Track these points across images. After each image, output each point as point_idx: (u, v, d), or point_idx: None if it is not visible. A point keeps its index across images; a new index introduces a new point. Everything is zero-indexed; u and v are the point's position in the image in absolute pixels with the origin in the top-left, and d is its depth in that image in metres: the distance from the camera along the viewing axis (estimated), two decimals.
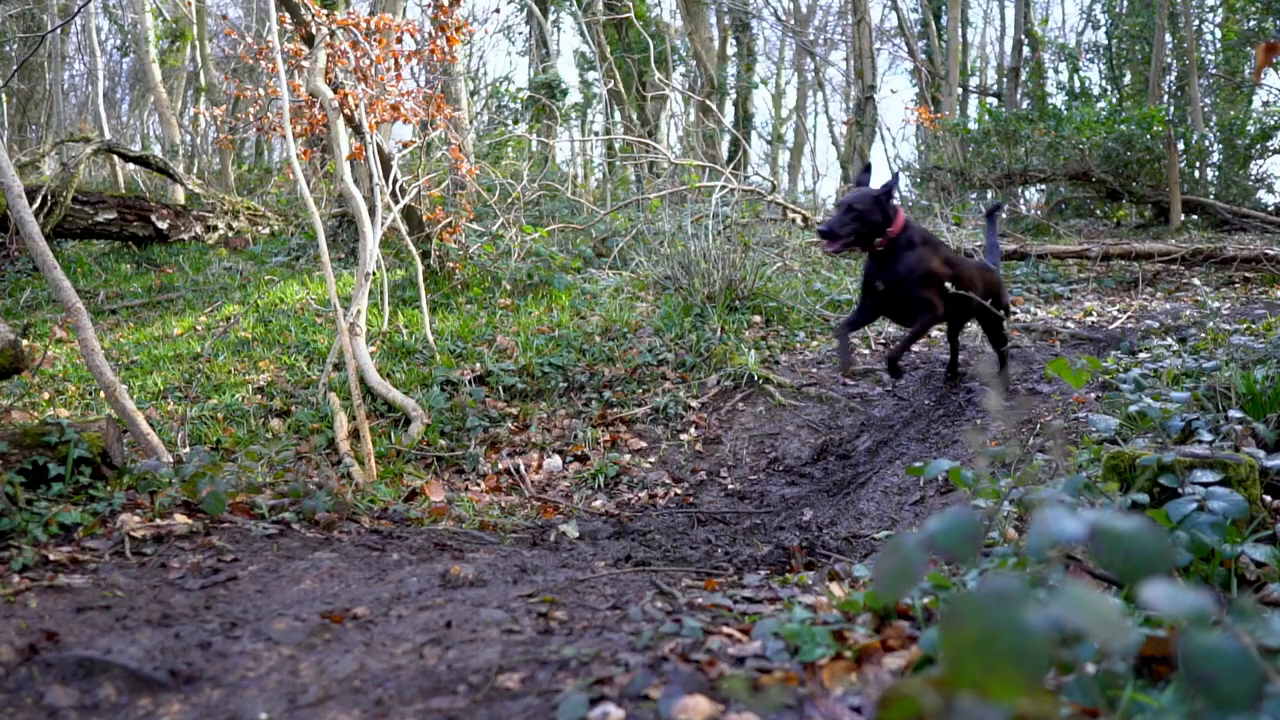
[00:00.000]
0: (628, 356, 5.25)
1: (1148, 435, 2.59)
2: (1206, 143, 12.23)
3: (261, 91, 7.57)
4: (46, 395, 5.14)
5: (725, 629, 1.60)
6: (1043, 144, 11.26)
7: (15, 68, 12.93)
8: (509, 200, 7.77)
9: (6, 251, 8.45)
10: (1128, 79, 17.36)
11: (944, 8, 17.15)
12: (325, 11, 5.95)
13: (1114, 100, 16.12)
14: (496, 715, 1.31)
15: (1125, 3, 17.47)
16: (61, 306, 3.73)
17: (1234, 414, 2.40)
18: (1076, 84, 17.33)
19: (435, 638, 1.64)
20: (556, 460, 4.32)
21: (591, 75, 17.05)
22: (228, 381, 5.28)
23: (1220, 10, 15.96)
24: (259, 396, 5.03)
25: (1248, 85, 14.61)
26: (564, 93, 14.91)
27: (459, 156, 6.97)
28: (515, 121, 15.25)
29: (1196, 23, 15.44)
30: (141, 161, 10.37)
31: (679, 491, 4.02)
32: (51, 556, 2.14)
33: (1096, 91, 17.22)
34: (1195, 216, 11.01)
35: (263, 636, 1.69)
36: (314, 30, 5.80)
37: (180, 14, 15.77)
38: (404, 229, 6.11)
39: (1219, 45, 15.74)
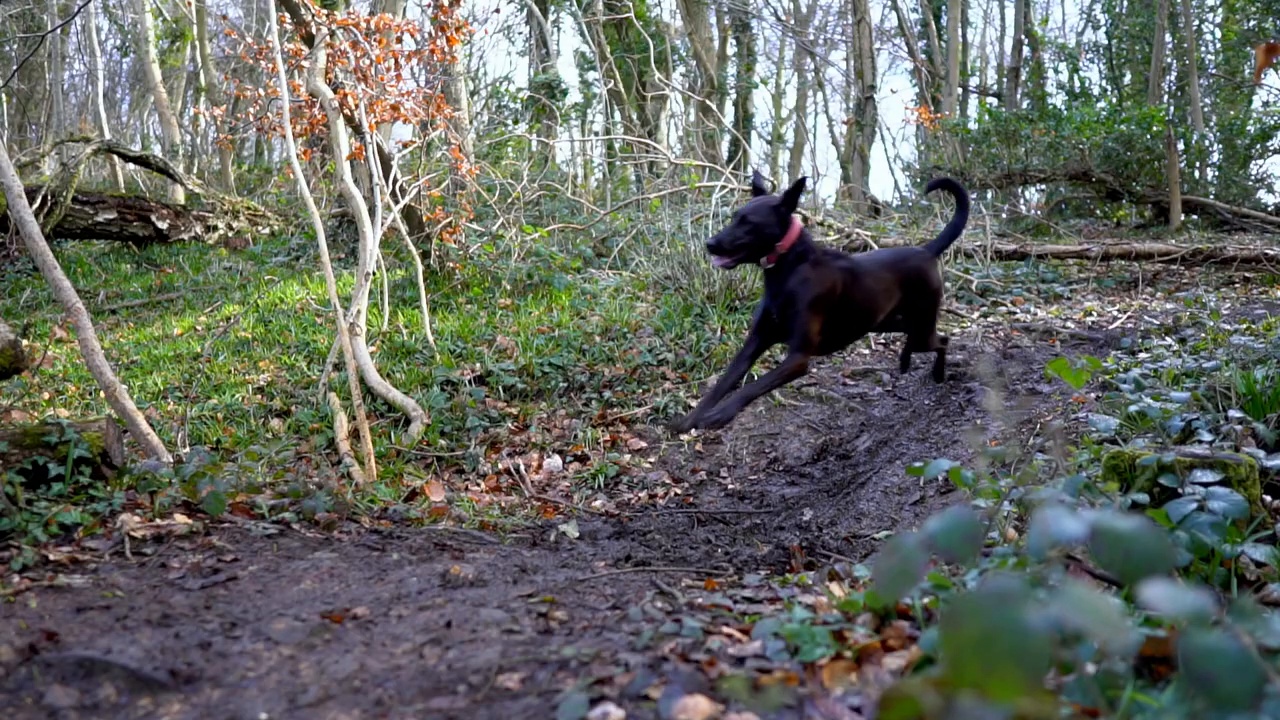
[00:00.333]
0: (628, 356, 5.25)
1: (1148, 435, 2.59)
2: (1206, 143, 12.23)
3: (261, 91, 7.57)
4: (46, 395, 5.14)
5: (725, 629, 1.60)
6: (1043, 144, 11.26)
7: (15, 68, 12.94)
8: (509, 200, 7.77)
9: (6, 251, 8.45)
10: (1128, 79, 17.37)
11: (944, 8, 17.15)
12: (325, 11, 5.95)
13: (1114, 100, 16.12)
14: (496, 715, 1.31)
15: (1125, 3, 17.47)
16: (61, 306, 3.73)
17: (1234, 414, 2.40)
18: (1076, 84, 17.34)
19: (435, 638, 1.64)
20: (556, 460, 4.32)
21: (591, 75, 17.05)
22: (228, 381, 5.28)
23: (1220, 10, 15.96)
24: (259, 396, 5.03)
25: (1248, 85, 14.61)
26: (564, 93, 14.91)
27: (459, 156, 6.97)
28: (515, 121, 15.26)
29: (1196, 23, 15.45)
30: (141, 161, 10.37)
31: (679, 491, 4.02)
32: (51, 556, 2.14)
33: (1096, 91, 17.22)
34: (1195, 216, 11.02)
35: (263, 636, 1.69)
36: (314, 30, 5.80)
37: (180, 14, 15.77)
38: (404, 229, 6.11)
39: (1219, 45, 15.75)
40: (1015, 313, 6.17)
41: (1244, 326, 4.31)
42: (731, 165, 11.47)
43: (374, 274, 5.22)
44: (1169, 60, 15.72)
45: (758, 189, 3.64)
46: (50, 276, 3.30)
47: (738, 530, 3.39)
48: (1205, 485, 1.71)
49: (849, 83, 21.81)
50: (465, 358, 5.38)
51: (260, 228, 10.24)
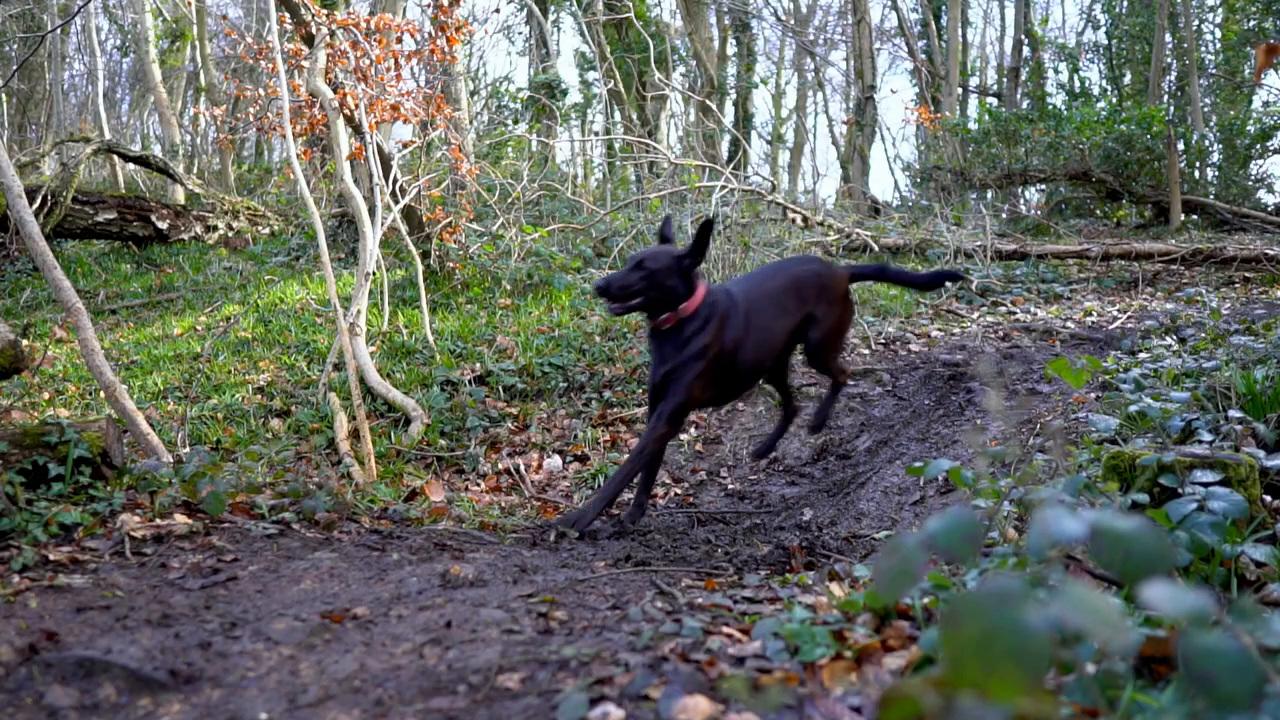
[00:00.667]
0: (628, 356, 5.25)
1: (1148, 435, 2.59)
2: (1206, 143, 12.23)
3: (261, 91, 7.57)
4: (46, 395, 5.14)
5: (725, 629, 1.60)
6: (1043, 144, 11.26)
7: (15, 68, 12.94)
8: (509, 200, 7.77)
9: (6, 251, 8.45)
10: (1128, 79, 17.37)
11: (944, 8, 17.15)
12: (325, 11, 5.95)
13: (1114, 100, 16.12)
14: (496, 715, 1.31)
15: (1125, 3, 17.47)
16: (61, 306, 3.73)
17: (1234, 414, 2.40)
18: (1076, 84, 17.34)
19: (435, 638, 1.64)
20: (556, 460, 4.32)
21: (591, 75, 17.05)
22: (228, 381, 5.28)
23: (1220, 10, 15.97)
24: (259, 396, 5.03)
25: (1248, 85, 14.61)
26: (564, 93, 14.91)
27: (459, 156, 6.97)
28: (515, 121, 15.26)
29: (1196, 23, 15.45)
30: (141, 161, 10.37)
31: (679, 491, 4.02)
32: (51, 556, 2.14)
33: (1096, 91, 17.23)
34: (1195, 216, 11.02)
35: (263, 636, 1.69)
36: (314, 30, 5.80)
37: (180, 14, 15.77)
38: (404, 229, 6.11)
39: (1219, 45, 15.75)
40: (1015, 313, 6.17)
41: (1244, 326, 4.31)
42: (731, 165, 11.47)
43: (374, 274, 5.22)
44: (1169, 60, 15.72)
45: (664, 237, 3.37)
46: (50, 276, 3.30)
47: (738, 530, 3.39)
48: (1205, 485, 1.71)
49: (849, 83, 21.82)
50: (465, 358, 5.38)
51: (260, 228, 10.24)
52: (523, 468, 4.21)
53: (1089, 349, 5.03)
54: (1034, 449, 3.21)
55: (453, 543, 2.75)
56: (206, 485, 2.58)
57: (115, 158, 11.09)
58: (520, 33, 17.89)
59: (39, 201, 7.94)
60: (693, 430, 4.55)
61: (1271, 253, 7.07)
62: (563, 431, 4.59)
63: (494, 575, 2.26)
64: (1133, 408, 2.72)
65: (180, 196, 10.61)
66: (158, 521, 2.40)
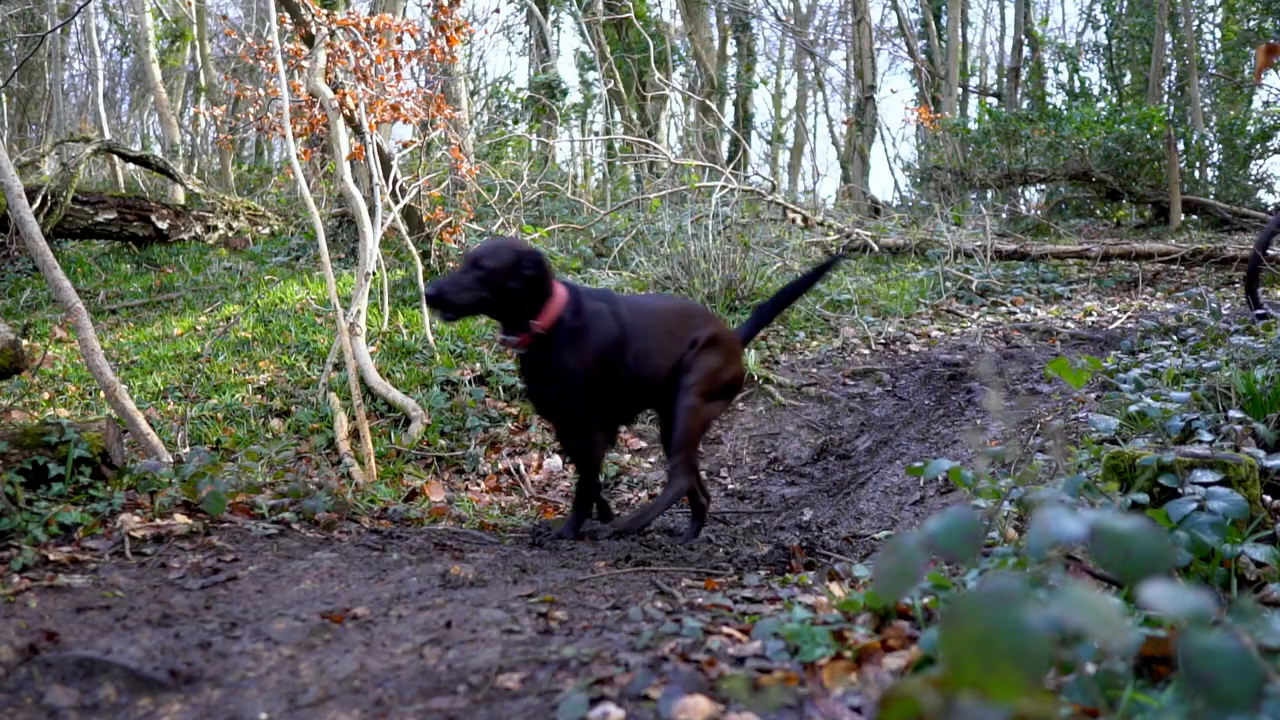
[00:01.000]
0: None
1: (1148, 435, 2.59)
2: (1206, 143, 12.23)
3: (261, 91, 7.57)
4: (46, 395, 5.14)
5: (725, 629, 1.60)
6: (1043, 144, 11.26)
7: (15, 68, 12.95)
8: (509, 200, 7.77)
9: (6, 251, 8.45)
10: (1128, 79, 17.37)
11: (944, 8, 17.16)
12: (325, 11, 5.96)
13: (1114, 100, 16.12)
14: (496, 715, 1.31)
15: (1125, 3, 17.47)
16: (61, 306, 3.73)
17: (1234, 414, 2.40)
18: (1076, 84, 17.33)
19: (435, 638, 1.64)
20: (556, 460, 4.32)
21: (591, 75, 17.05)
22: (228, 381, 5.28)
23: (1220, 10, 15.97)
24: (259, 396, 5.03)
25: (1248, 85, 14.61)
26: (564, 93, 14.91)
27: (459, 156, 6.98)
28: (515, 121, 15.25)
29: (1196, 23, 15.44)
30: (141, 161, 10.37)
31: None
32: (51, 556, 2.14)
33: (1096, 91, 17.22)
34: (1195, 216, 11.02)
35: (263, 636, 1.69)
36: (314, 30, 5.80)
37: (180, 14, 15.77)
38: (404, 229, 6.11)
39: (1219, 45, 15.74)
40: (1015, 313, 6.17)
41: (1244, 326, 4.31)
42: (731, 165, 11.47)
43: (374, 274, 5.22)
44: (1169, 60, 15.72)
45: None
46: (50, 276, 3.30)
47: (738, 530, 3.39)
48: (1205, 485, 1.71)
49: (849, 83, 21.82)
50: (465, 358, 5.38)
51: (260, 228, 10.23)
52: (523, 468, 4.21)
53: (1089, 349, 5.03)
54: (1034, 449, 3.21)
55: (453, 543, 2.75)
56: (206, 485, 2.58)
57: (115, 158, 11.09)
58: (520, 33, 17.90)
59: (39, 201, 7.94)
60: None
61: (1271, 252, 7.07)
62: None
63: (494, 575, 2.26)
64: (1133, 408, 2.72)
65: (180, 196, 10.61)
66: (158, 521, 2.40)
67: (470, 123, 11.92)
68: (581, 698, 1.29)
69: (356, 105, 5.74)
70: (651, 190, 9.38)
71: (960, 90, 18.47)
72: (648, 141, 10.52)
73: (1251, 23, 14.42)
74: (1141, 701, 1.04)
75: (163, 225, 9.25)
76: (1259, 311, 4.91)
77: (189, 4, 14.86)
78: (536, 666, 1.45)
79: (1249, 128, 12.02)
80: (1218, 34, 16.05)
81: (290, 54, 6.42)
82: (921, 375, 4.81)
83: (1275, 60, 1.52)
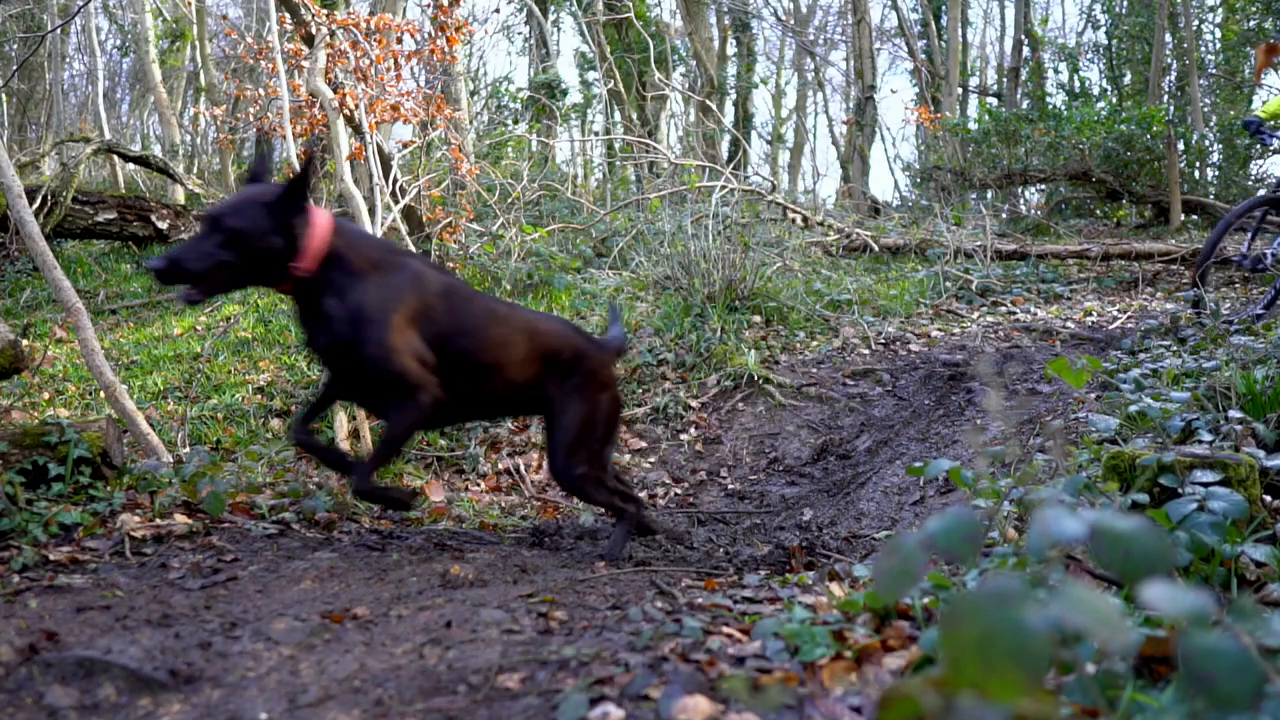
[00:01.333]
0: (628, 356, 5.25)
1: (1148, 435, 2.59)
2: (1206, 143, 12.23)
3: (261, 91, 7.56)
4: (46, 395, 5.14)
5: (725, 629, 1.60)
6: (1043, 144, 11.26)
7: (15, 68, 12.94)
8: (509, 200, 7.77)
9: (6, 251, 8.45)
10: (1128, 79, 17.36)
11: (944, 8, 17.15)
12: (325, 11, 5.96)
13: (1114, 100, 16.12)
14: (496, 715, 1.31)
15: (1125, 3, 17.46)
16: (61, 306, 3.73)
17: (1234, 414, 2.39)
18: (1076, 84, 17.34)
19: (435, 638, 1.64)
20: None
21: (591, 75, 17.05)
22: (228, 381, 5.28)
23: (1220, 10, 15.96)
24: (259, 396, 5.03)
25: (1248, 85, 14.60)
26: (564, 93, 14.91)
27: (459, 156, 6.98)
28: (515, 121, 15.24)
29: (1196, 23, 15.44)
30: (141, 161, 10.37)
31: (679, 491, 4.02)
32: (51, 556, 2.14)
33: (1096, 91, 17.22)
34: (1195, 216, 11.01)
35: (263, 636, 1.69)
36: (314, 30, 5.80)
37: (180, 14, 15.77)
38: (404, 229, 6.11)
39: (1219, 45, 15.74)
40: (1015, 313, 6.17)
41: (1244, 326, 4.31)
42: (731, 165, 11.47)
43: None
44: (1169, 60, 15.72)
45: (255, 175, 2.34)
46: (50, 276, 3.30)
47: (738, 530, 3.39)
48: (1205, 485, 1.71)
49: (849, 83, 21.81)
50: None
51: None
52: (523, 468, 4.21)
53: (1089, 349, 5.03)
54: (1034, 449, 3.21)
55: (453, 543, 2.75)
56: (206, 485, 2.58)
57: (115, 158, 11.08)
58: (520, 33, 17.89)
59: (39, 201, 7.93)
60: (693, 430, 4.55)
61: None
62: None
63: (494, 575, 2.26)
64: (1133, 408, 2.72)
65: (180, 196, 10.60)
66: (158, 521, 2.40)
67: (470, 123, 11.92)
68: (581, 698, 1.29)
69: (356, 105, 5.74)
70: (651, 190, 9.38)
71: (960, 90, 18.47)
72: (648, 141, 10.52)
73: (1251, 23, 14.42)
74: (1141, 701, 1.04)
75: (163, 225, 9.25)
76: (1200, 313, 4.97)
77: (189, 4, 14.86)
78: (536, 666, 1.45)
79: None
80: (1218, 34, 16.05)
81: (290, 54, 6.41)
82: (921, 375, 4.81)
83: (1275, 60, 1.52)
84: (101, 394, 4.46)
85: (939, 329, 5.75)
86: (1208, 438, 2.35)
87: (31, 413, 4.72)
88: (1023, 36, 18.78)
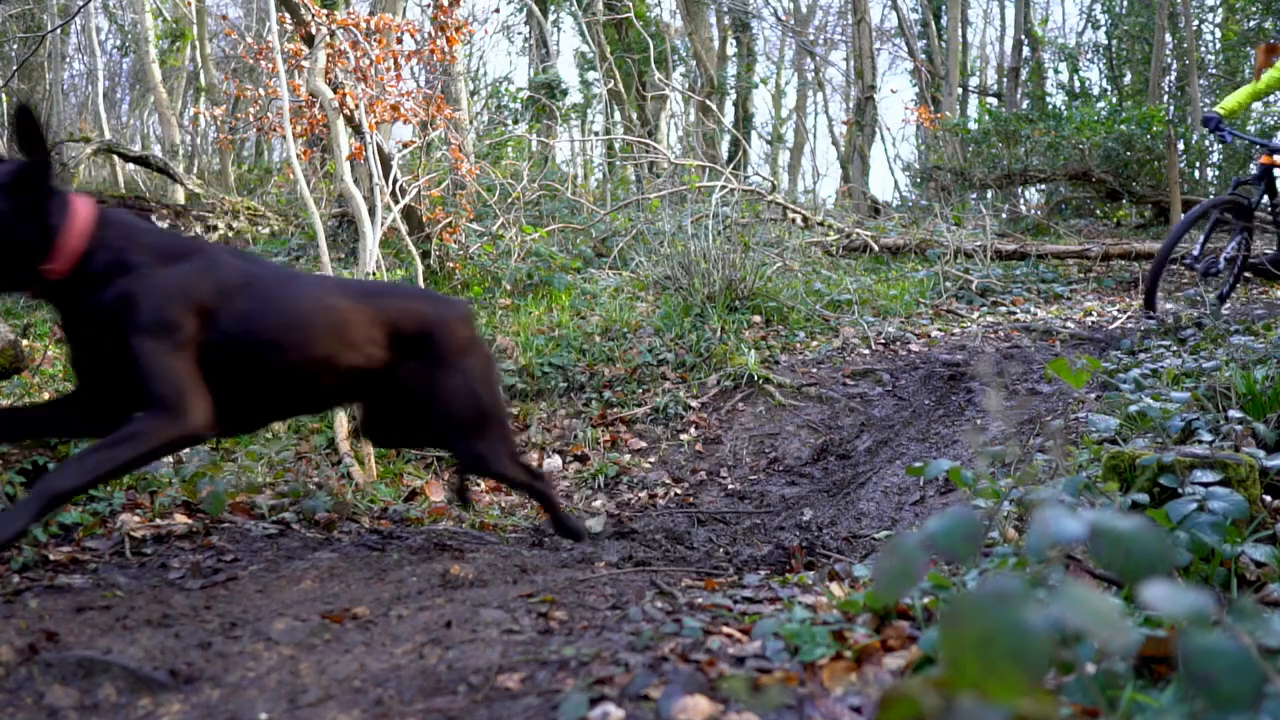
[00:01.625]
0: (628, 356, 5.25)
1: (1148, 435, 2.59)
2: (1206, 143, 12.23)
3: (261, 91, 7.56)
4: (46, 395, 5.13)
5: (725, 629, 1.60)
6: (1043, 144, 11.25)
7: (15, 68, 12.93)
8: (509, 200, 7.77)
9: None
10: (1128, 79, 17.36)
11: (944, 8, 17.15)
12: (325, 11, 5.95)
13: (1114, 100, 16.12)
14: (496, 715, 1.31)
15: (1125, 3, 17.47)
16: None
17: (1234, 414, 2.39)
18: (1076, 84, 17.34)
19: (435, 638, 1.64)
20: (556, 460, 4.32)
21: (591, 75, 17.05)
22: None
23: (1220, 10, 15.96)
24: None
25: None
26: (564, 93, 14.91)
27: (459, 156, 6.97)
28: (515, 121, 15.25)
29: (1196, 23, 15.44)
30: (141, 161, 10.37)
31: (679, 491, 4.02)
32: (51, 556, 2.14)
33: (1096, 91, 17.23)
34: None
35: (263, 636, 1.69)
36: (314, 30, 5.80)
37: (180, 14, 15.77)
38: (404, 229, 6.11)
39: (1219, 45, 15.74)
40: (1015, 313, 6.17)
41: (1244, 326, 4.31)
42: (731, 165, 11.47)
43: (374, 274, 5.22)
44: (1169, 60, 15.72)
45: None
46: None
47: (738, 530, 3.39)
48: (1205, 485, 1.71)
49: (849, 83, 21.81)
50: None
51: (260, 228, 10.23)
52: None
53: (1089, 349, 5.03)
54: (1034, 449, 3.21)
55: (453, 543, 2.75)
56: (206, 485, 2.58)
57: (115, 158, 11.09)
58: (520, 33, 17.90)
59: None
60: (693, 430, 4.55)
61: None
62: (563, 431, 4.59)
63: (494, 575, 2.26)
64: (1133, 408, 2.72)
65: (180, 196, 10.61)
66: (158, 521, 2.41)
67: (470, 123, 11.92)
68: (581, 698, 1.29)
69: (356, 105, 5.74)
70: (651, 190, 9.38)
71: (960, 90, 18.46)
72: (648, 141, 10.52)
73: (1251, 23, 14.42)
74: (1141, 701, 1.04)
75: (163, 225, 9.25)
76: (1150, 314, 4.96)
77: (189, 4, 14.86)
78: (536, 666, 1.45)
79: (1249, 128, 12.02)
80: (1218, 34, 16.05)
81: (290, 54, 6.41)
82: (921, 375, 4.81)
83: (1275, 60, 1.52)
84: None
85: (939, 329, 5.75)
86: (1208, 438, 2.35)
87: None
88: (1023, 36, 18.79)
